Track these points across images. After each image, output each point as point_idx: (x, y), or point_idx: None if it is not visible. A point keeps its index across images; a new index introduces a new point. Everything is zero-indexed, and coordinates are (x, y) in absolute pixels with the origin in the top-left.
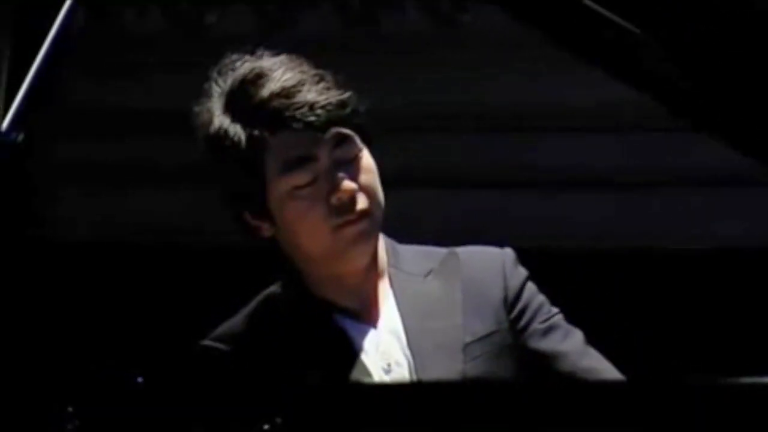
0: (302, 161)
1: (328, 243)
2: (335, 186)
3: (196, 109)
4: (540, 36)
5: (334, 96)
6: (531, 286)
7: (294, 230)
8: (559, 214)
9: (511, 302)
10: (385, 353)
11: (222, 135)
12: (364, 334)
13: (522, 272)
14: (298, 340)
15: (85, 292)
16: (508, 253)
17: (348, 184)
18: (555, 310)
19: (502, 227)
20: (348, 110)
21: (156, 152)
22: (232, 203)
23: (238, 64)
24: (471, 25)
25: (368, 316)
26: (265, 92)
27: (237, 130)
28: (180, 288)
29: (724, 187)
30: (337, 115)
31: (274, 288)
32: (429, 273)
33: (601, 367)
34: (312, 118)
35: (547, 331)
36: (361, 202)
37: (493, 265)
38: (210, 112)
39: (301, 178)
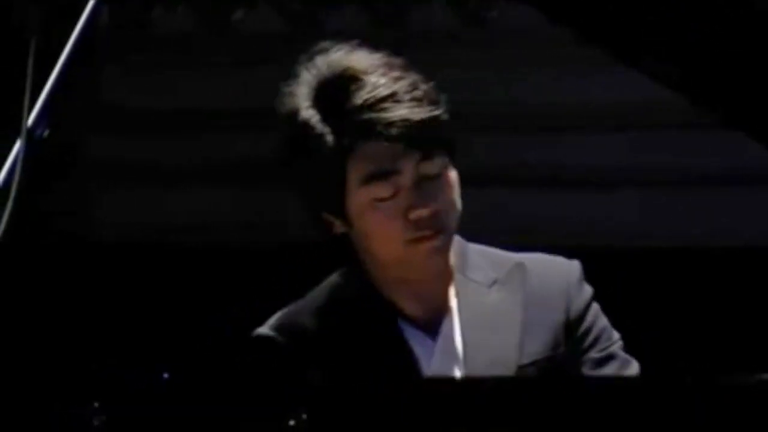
0: (386, 174)
1: (400, 254)
2: (415, 203)
3: (283, 90)
4: (567, 34)
5: (425, 112)
6: (594, 309)
7: (368, 236)
8: (587, 212)
9: (572, 324)
10: (440, 363)
11: (307, 131)
12: (422, 341)
13: (587, 292)
14: (357, 340)
15: (106, 290)
16: (575, 269)
17: (428, 203)
18: (615, 336)
19: (528, 225)
20: (437, 125)
21: (177, 152)
22: (307, 198)
23: (333, 55)
24: (497, 22)
25: (430, 322)
26: (357, 100)
27: (324, 131)
28: (199, 287)
29: (740, 185)
30: (426, 131)
31: (336, 279)
32: (494, 283)
33: None
34: (401, 134)
35: (604, 360)
36: (439, 220)
37: (558, 282)
38: (296, 101)
39: (382, 190)
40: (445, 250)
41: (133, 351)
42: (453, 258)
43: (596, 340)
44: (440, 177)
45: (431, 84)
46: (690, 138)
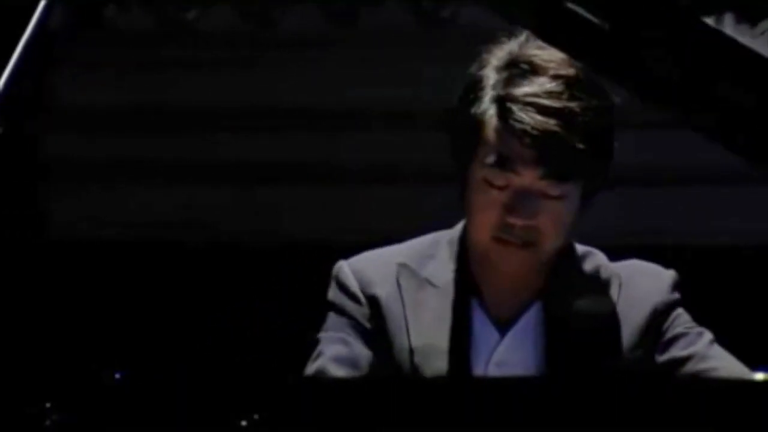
0: (506, 166)
1: (486, 245)
2: (516, 208)
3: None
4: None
5: (572, 139)
6: (681, 310)
7: (468, 211)
8: None
9: (654, 332)
10: (505, 352)
11: (476, 84)
12: (488, 327)
13: (677, 295)
14: (420, 303)
15: (73, 289)
16: (671, 274)
17: (527, 216)
18: (696, 330)
19: None
20: (580, 158)
21: (149, 149)
22: (450, 146)
23: (536, 44)
24: (451, 21)
25: (508, 312)
26: (522, 90)
27: (486, 92)
28: (169, 285)
29: (726, 184)
30: (563, 156)
31: (444, 235)
32: (587, 288)
33: None
34: (535, 143)
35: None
36: (531, 235)
37: (651, 287)
38: (487, 59)
39: (496, 178)
40: (527, 265)
41: (89, 350)
42: (557, 259)
43: (680, 338)
44: (556, 199)
45: (603, 121)
46: (670, 136)
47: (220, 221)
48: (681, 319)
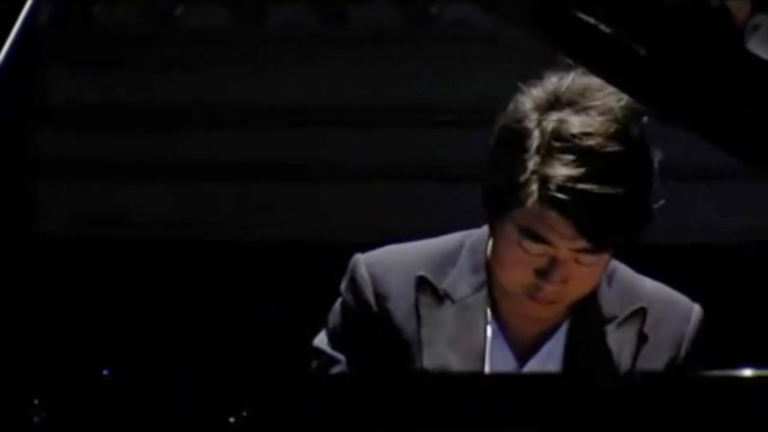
0: (541, 240)
1: (512, 290)
2: (549, 276)
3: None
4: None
5: (611, 218)
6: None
7: (497, 260)
8: None
9: (675, 367)
10: None
11: (513, 142)
12: (505, 354)
13: (697, 346)
14: (440, 320)
15: (63, 287)
16: (695, 318)
17: (560, 283)
18: None
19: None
20: (620, 228)
21: (139, 147)
22: (484, 187)
23: (579, 89)
24: (440, 19)
25: (524, 345)
26: (565, 172)
27: (526, 162)
28: (159, 282)
29: (707, 181)
30: (605, 231)
31: (470, 239)
32: (612, 320)
33: None
34: (575, 221)
35: None
36: (561, 296)
37: (676, 331)
38: (523, 112)
39: (531, 247)
40: (556, 312)
41: (78, 347)
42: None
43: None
44: (588, 267)
45: (643, 194)
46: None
47: (212, 219)
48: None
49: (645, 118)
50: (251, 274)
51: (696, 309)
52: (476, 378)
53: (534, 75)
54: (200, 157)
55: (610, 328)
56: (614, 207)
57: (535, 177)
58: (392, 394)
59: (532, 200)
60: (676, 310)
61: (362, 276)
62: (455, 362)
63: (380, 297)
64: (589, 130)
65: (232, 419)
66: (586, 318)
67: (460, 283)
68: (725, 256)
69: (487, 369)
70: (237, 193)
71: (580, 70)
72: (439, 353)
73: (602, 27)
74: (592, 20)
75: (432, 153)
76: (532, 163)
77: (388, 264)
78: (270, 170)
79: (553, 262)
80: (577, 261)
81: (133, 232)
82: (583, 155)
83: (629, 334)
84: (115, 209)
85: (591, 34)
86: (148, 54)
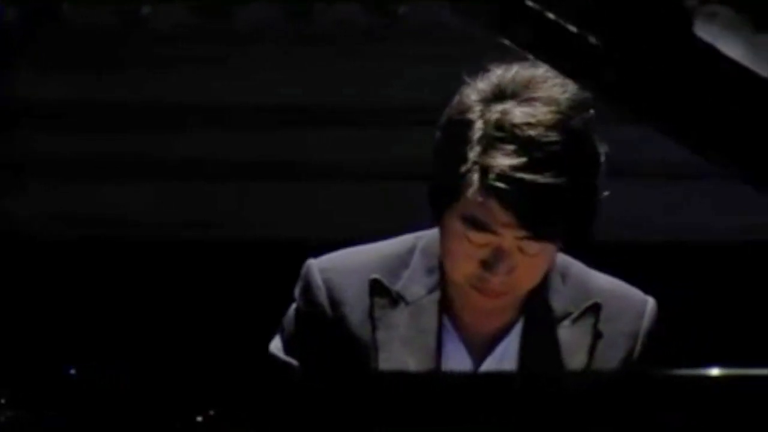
0: (485, 228)
1: (462, 285)
2: (493, 267)
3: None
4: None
5: (553, 206)
6: (660, 356)
7: (444, 253)
8: None
9: (631, 362)
10: None
11: (455, 133)
12: (461, 351)
13: (654, 340)
14: (394, 323)
15: (54, 288)
16: (650, 312)
17: (504, 273)
18: None
19: None
20: (561, 219)
21: (111, 146)
22: (431, 185)
23: (524, 80)
24: (408, 17)
25: (480, 344)
26: (506, 162)
27: (467, 153)
28: (135, 281)
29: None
30: (549, 216)
31: (422, 240)
32: (566, 317)
33: None
34: (521, 213)
35: None
36: (507, 287)
37: (630, 326)
38: (466, 103)
39: (475, 237)
40: (505, 304)
41: (48, 347)
42: (532, 288)
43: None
44: (534, 257)
45: (588, 182)
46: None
47: (184, 218)
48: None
49: (591, 111)
50: (221, 271)
51: (650, 303)
52: (433, 377)
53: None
54: (170, 156)
55: (565, 325)
56: (554, 197)
57: (476, 167)
58: (362, 395)
59: (473, 190)
60: (630, 305)
61: (316, 282)
62: (411, 364)
63: (334, 302)
64: (531, 120)
65: (199, 418)
66: (541, 315)
67: (414, 284)
68: (719, 255)
69: (442, 370)
70: (209, 192)
71: (526, 61)
72: (394, 355)
73: (560, 21)
74: (550, 14)
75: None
76: (473, 153)
77: (342, 268)
78: (239, 169)
79: (498, 252)
80: (521, 250)
81: (109, 230)
82: (524, 145)
83: (584, 330)
84: (92, 209)
85: (554, 30)
86: (116, 53)
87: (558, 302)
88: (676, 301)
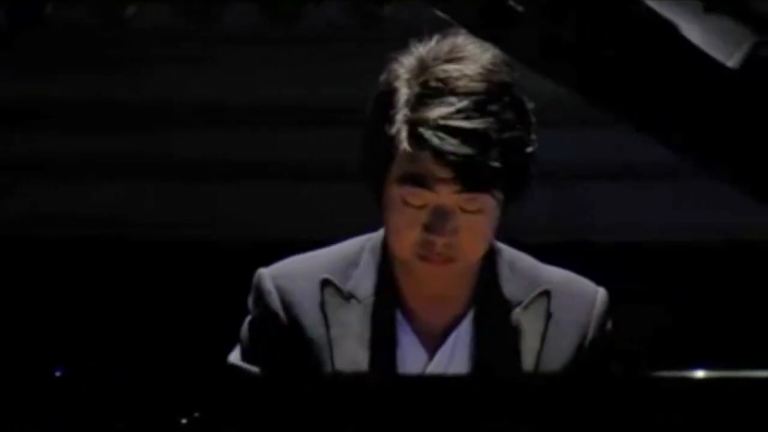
0: (421, 185)
1: (409, 262)
2: (434, 227)
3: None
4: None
5: (486, 155)
6: (608, 349)
7: (388, 229)
8: None
9: (584, 359)
10: (436, 370)
11: (384, 100)
12: (415, 342)
13: (607, 329)
14: (341, 317)
15: (38, 287)
16: (600, 300)
17: (446, 233)
18: None
19: None
20: (495, 169)
21: (94, 145)
22: (361, 159)
23: (447, 47)
24: (392, 18)
25: (437, 327)
26: (433, 113)
27: (395, 114)
28: (135, 281)
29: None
30: (482, 171)
31: (371, 240)
32: (518, 305)
33: None
34: (452, 161)
35: None
36: (453, 251)
37: (581, 315)
38: (394, 72)
39: (413, 198)
40: (453, 277)
41: (47, 347)
42: (483, 269)
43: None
44: (475, 213)
45: (518, 132)
46: (591, 134)
47: (165, 217)
48: (603, 359)
49: (515, 73)
50: (247, 274)
51: (601, 291)
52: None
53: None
54: (170, 156)
55: (517, 311)
56: (483, 143)
57: (405, 125)
58: (346, 396)
59: (403, 146)
60: (580, 292)
61: (268, 289)
62: (366, 359)
63: (287, 306)
64: (456, 74)
65: (184, 420)
66: (492, 304)
67: (364, 282)
68: (720, 256)
69: (398, 363)
70: (209, 192)
71: (447, 34)
72: (349, 352)
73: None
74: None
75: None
76: (401, 114)
77: (292, 273)
78: (239, 170)
79: (439, 212)
80: (463, 209)
81: (92, 229)
82: (450, 95)
83: (536, 315)
84: (75, 208)
85: (534, 29)
86: (99, 54)
87: (508, 291)
88: (676, 301)
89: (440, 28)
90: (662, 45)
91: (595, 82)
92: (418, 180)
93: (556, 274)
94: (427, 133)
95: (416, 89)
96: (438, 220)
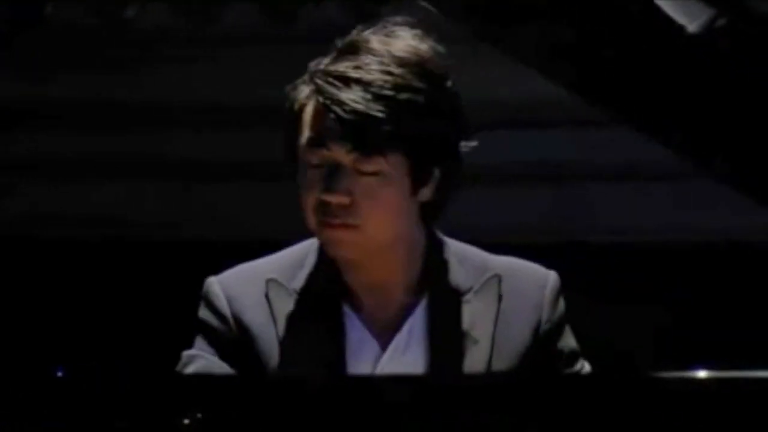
0: (318, 143)
1: (314, 231)
2: (330, 187)
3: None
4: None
5: (376, 110)
6: (567, 329)
7: (301, 204)
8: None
9: (542, 342)
10: (389, 366)
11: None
12: (366, 337)
13: (560, 310)
14: (289, 315)
15: (38, 287)
16: (552, 283)
17: (340, 192)
18: (585, 362)
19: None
20: (385, 129)
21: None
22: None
23: (369, 33)
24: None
25: (389, 321)
26: (333, 66)
27: (305, 77)
28: (134, 282)
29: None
30: (372, 129)
31: (317, 241)
32: (468, 291)
33: None
34: (343, 118)
35: None
36: (349, 214)
37: (533, 296)
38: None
39: (312, 157)
40: (359, 247)
41: (47, 347)
42: (427, 257)
43: (566, 361)
44: (377, 176)
45: (420, 99)
46: (588, 134)
47: (165, 217)
48: (576, 356)
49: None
50: (202, 271)
51: (552, 275)
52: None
53: (502, 72)
54: (170, 156)
55: (468, 297)
56: (379, 102)
57: (308, 80)
58: (349, 399)
59: (308, 107)
60: (531, 275)
61: (215, 293)
62: (317, 355)
63: (235, 310)
64: (376, 40)
65: (186, 421)
66: (443, 293)
67: (309, 280)
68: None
69: (348, 356)
70: (208, 192)
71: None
72: (299, 349)
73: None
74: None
75: None
76: (305, 90)
77: (239, 277)
78: (239, 170)
79: (333, 169)
80: (359, 171)
81: (89, 229)
82: (358, 53)
83: (487, 299)
84: (79, 208)
85: (531, 27)
86: (99, 53)
87: (459, 280)
88: (676, 302)
89: (440, 29)
90: (662, 45)
91: (595, 82)
92: (316, 138)
93: (505, 260)
94: (324, 82)
95: (320, 67)
96: (331, 178)
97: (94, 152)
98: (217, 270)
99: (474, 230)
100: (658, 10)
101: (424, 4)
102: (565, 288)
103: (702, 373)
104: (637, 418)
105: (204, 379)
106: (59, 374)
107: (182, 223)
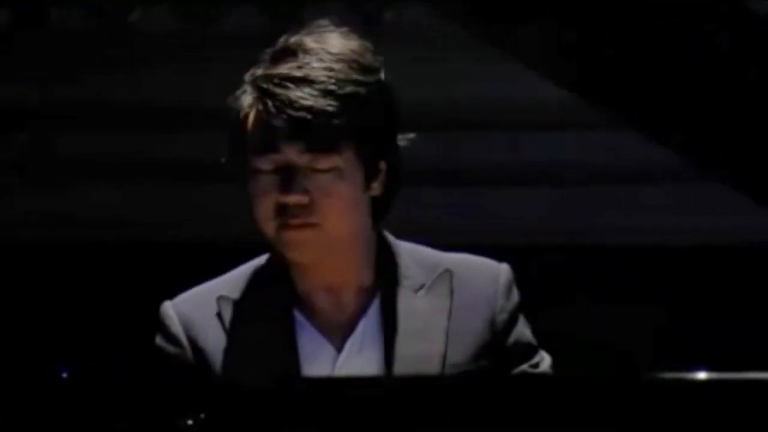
0: (268, 147)
1: (273, 238)
2: (287, 189)
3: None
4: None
5: (324, 104)
6: (522, 319)
7: (252, 213)
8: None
9: (498, 335)
10: (346, 365)
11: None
12: (319, 340)
13: (514, 301)
14: (245, 325)
15: (38, 287)
16: (504, 275)
17: (298, 196)
18: (543, 351)
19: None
20: (336, 125)
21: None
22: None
23: (301, 36)
24: (396, 22)
25: (343, 322)
26: (276, 69)
27: (245, 85)
28: (134, 282)
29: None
30: (320, 125)
31: (267, 255)
32: (421, 288)
33: None
34: (291, 117)
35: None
36: (310, 217)
37: (486, 288)
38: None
39: (263, 163)
40: (319, 247)
41: (46, 349)
42: (378, 257)
43: (524, 353)
44: (332, 172)
45: (364, 93)
46: (606, 136)
47: (165, 217)
48: (533, 347)
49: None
50: (197, 273)
51: (504, 267)
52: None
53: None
54: (169, 156)
55: (421, 294)
56: (323, 93)
57: (251, 86)
58: (355, 400)
59: (253, 113)
60: (482, 269)
61: (169, 315)
62: (271, 365)
63: (188, 328)
64: (310, 44)
65: (189, 422)
66: (395, 291)
67: (258, 291)
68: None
69: (302, 361)
70: (208, 192)
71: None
72: (253, 362)
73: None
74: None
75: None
76: (248, 77)
77: (191, 297)
78: (220, 169)
79: (287, 172)
80: (313, 169)
81: (87, 232)
82: (296, 54)
83: (440, 294)
84: (79, 208)
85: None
86: (99, 54)
87: (410, 277)
88: (676, 302)
89: (440, 28)
90: (662, 45)
91: (595, 82)
92: (265, 143)
93: (457, 256)
94: (269, 85)
95: (259, 73)
96: (287, 180)
97: (94, 152)
98: (217, 271)
99: (474, 230)
100: (658, 10)
101: (424, 4)
102: (565, 288)
103: (702, 374)
104: (637, 418)
105: (201, 378)
106: (64, 375)
107: (182, 224)
